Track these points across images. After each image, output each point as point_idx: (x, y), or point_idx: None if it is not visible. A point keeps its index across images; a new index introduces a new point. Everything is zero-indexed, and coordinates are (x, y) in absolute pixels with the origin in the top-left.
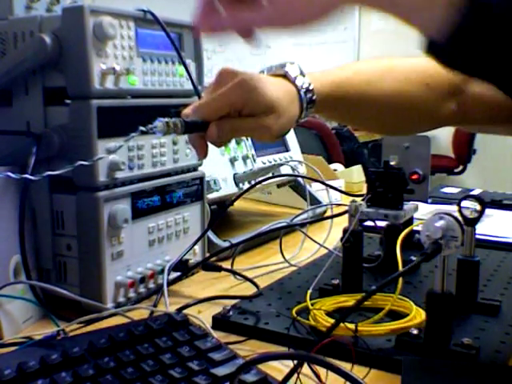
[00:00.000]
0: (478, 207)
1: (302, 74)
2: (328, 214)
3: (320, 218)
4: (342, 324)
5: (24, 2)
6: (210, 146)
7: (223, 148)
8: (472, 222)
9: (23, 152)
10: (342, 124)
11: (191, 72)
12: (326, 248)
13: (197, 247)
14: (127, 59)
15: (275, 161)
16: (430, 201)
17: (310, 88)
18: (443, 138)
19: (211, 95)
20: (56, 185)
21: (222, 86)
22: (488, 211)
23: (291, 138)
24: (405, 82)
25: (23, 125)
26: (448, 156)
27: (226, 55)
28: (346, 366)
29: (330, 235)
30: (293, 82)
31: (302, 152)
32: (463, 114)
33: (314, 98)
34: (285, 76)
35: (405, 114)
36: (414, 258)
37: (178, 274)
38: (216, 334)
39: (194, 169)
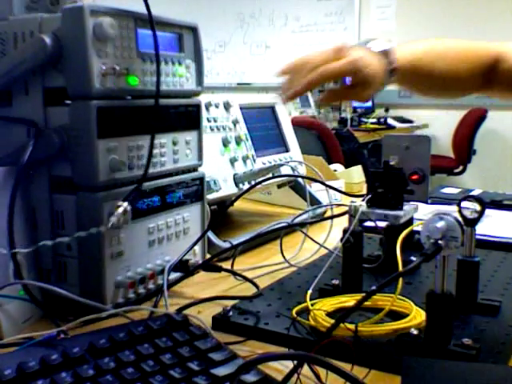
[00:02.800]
0: (478, 207)
1: (390, 50)
2: (328, 214)
3: (320, 219)
4: (341, 324)
5: (24, 2)
6: (210, 147)
7: (223, 148)
8: (472, 223)
9: (23, 152)
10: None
11: (193, 71)
12: (326, 248)
13: (197, 247)
14: (127, 59)
15: (275, 161)
16: (429, 201)
17: (394, 66)
18: (443, 138)
19: (330, 62)
20: (56, 185)
21: (340, 55)
22: (488, 211)
23: (291, 138)
24: (457, 60)
25: (23, 125)
26: (448, 156)
27: (225, 55)
28: (345, 366)
29: (330, 235)
30: (386, 57)
31: (302, 152)
32: (494, 83)
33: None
34: (378, 51)
35: (453, 83)
36: (414, 259)
37: (178, 274)
38: (216, 335)
39: (194, 169)
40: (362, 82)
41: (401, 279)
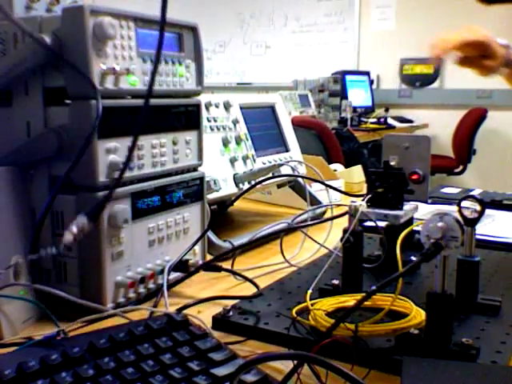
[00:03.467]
0: (478, 207)
1: (510, 45)
2: (328, 214)
3: (320, 220)
4: (342, 324)
5: (24, 2)
6: (210, 147)
7: (223, 148)
8: (472, 222)
9: (23, 152)
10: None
11: (193, 71)
12: (326, 248)
13: (197, 247)
14: (127, 59)
15: (275, 161)
16: (429, 201)
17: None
18: (443, 138)
19: (468, 36)
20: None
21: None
22: (490, 213)
23: (291, 138)
24: None
25: (23, 125)
26: (448, 156)
27: (226, 55)
28: (345, 366)
29: (330, 235)
30: (506, 49)
31: (302, 152)
32: None
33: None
34: (501, 43)
35: None
36: (414, 259)
37: (178, 274)
38: (216, 334)
39: (194, 169)
40: (490, 55)
41: (401, 279)
